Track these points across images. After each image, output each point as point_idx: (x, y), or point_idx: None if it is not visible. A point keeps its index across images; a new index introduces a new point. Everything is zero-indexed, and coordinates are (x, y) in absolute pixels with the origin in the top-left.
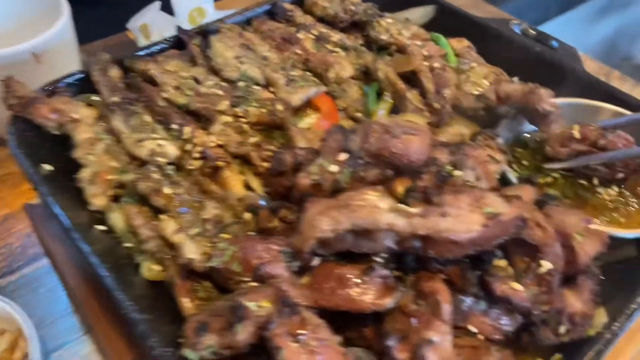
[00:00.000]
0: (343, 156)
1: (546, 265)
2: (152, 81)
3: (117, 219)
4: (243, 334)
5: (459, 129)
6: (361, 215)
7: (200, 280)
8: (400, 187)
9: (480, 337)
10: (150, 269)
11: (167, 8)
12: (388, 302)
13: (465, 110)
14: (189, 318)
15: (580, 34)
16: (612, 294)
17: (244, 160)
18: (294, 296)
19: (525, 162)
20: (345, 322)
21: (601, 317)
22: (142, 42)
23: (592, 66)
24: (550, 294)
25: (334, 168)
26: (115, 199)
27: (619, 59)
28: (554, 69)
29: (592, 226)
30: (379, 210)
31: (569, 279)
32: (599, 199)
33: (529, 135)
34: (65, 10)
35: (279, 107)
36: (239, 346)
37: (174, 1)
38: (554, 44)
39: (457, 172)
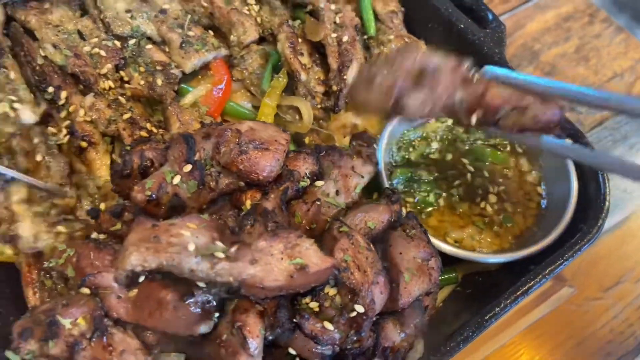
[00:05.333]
0: (188, 167)
1: (358, 308)
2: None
3: None
4: (55, 349)
5: (350, 119)
6: (168, 256)
7: (50, 270)
8: (248, 201)
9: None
10: (1, 252)
11: None
12: (200, 329)
13: None
14: (18, 321)
15: None
16: (467, 309)
17: (118, 137)
18: (115, 311)
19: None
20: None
21: (417, 352)
22: None
23: (578, 2)
24: (360, 335)
25: (176, 179)
26: None
27: None
28: (473, 50)
29: (449, 248)
30: (186, 252)
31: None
32: (472, 212)
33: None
34: None
35: (159, 80)
36: (55, 358)
37: None
38: (490, 16)
39: (318, 183)
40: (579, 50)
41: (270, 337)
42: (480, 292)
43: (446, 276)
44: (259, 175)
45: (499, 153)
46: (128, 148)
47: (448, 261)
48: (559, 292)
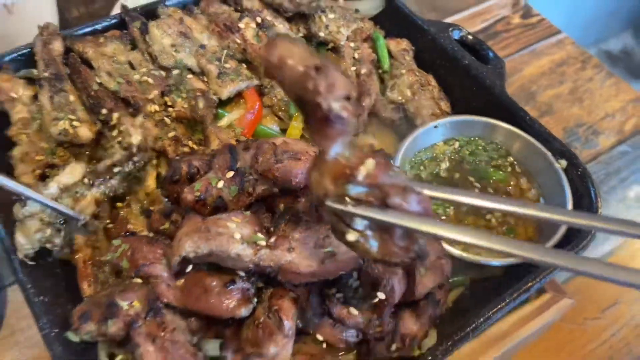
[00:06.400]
0: (230, 174)
1: (380, 295)
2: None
3: None
4: (113, 328)
5: (367, 140)
6: (217, 242)
7: (102, 265)
8: (281, 205)
9: (324, 345)
10: None
11: None
12: (242, 312)
13: (384, 120)
14: (77, 306)
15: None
16: (474, 308)
17: (163, 153)
18: (165, 297)
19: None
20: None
21: (431, 339)
22: None
23: (571, 50)
24: (382, 320)
25: (220, 184)
26: (43, 177)
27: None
28: (477, 83)
29: (457, 252)
30: (233, 240)
31: (414, 302)
32: (478, 224)
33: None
34: None
35: (200, 104)
36: (112, 336)
37: None
38: (490, 54)
39: None
40: (573, 92)
41: (300, 325)
42: (486, 295)
43: (456, 278)
44: (292, 181)
45: (500, 172)
46: (177, 158)
47: (457, 268)
48: (560, 303)
